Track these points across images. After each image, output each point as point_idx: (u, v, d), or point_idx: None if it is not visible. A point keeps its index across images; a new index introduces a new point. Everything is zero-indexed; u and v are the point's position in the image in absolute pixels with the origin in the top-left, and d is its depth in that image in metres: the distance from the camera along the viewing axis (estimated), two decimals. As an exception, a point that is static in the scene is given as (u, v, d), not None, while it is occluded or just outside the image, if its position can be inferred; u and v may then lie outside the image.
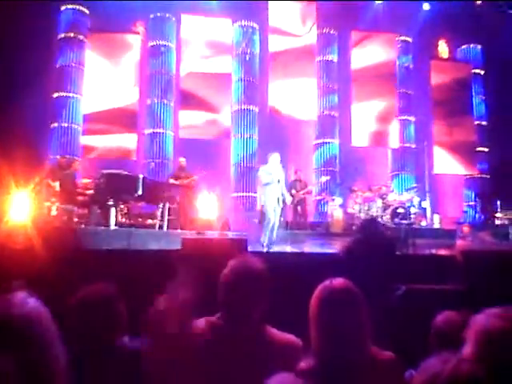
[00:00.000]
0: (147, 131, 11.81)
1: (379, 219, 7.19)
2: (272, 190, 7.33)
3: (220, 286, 1.87)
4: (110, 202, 7.06)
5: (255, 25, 12.46)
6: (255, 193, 11.72)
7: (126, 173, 7.66)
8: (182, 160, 9.31)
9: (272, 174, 7.29)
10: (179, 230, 7.56)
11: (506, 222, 9.99)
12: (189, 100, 11.76)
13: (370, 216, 8.45)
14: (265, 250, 6.95)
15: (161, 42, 12.05)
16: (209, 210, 8.59)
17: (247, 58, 12.22)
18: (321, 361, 1.72)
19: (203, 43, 12.04)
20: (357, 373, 1.68)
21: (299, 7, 12.70)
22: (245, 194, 11.63)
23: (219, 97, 11.99)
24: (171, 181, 9.01)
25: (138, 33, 12.16)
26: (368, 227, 4.56)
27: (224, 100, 12.03)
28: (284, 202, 7.61)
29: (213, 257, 2.50)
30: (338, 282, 1.81)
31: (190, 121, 11.78)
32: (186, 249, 4.81)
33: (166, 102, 11.88)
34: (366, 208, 9.57)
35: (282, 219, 7.98)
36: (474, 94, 14.19)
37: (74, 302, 1.94)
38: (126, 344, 1.95)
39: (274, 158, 7.55)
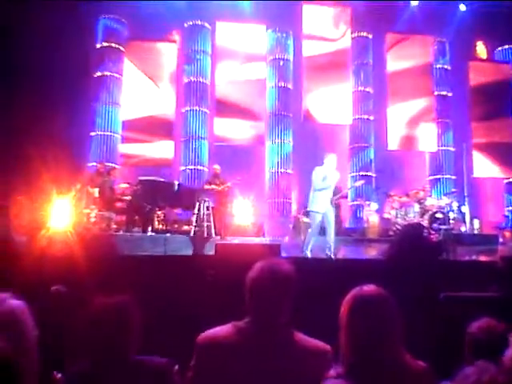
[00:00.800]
0: (183, 138, 11.99)
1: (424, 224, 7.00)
2: (324, 196, 6.81)
3: (246, 289, 1.83)
4: (147, 209, 7.19)
5: (289, 30, 12.48)
6: (289, 199, 11.72)
7: (162, 179, 7.79)
8: (217, 167, 9.38)
9: (327, 179, 6.79)
10: (214, 236, 7.62)
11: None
12: (224, 107, 11.87)
13: (414, 221, 8.25)
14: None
15: (196, 50, 12.21)
16: (243, 215, 8.64)
17: (281, 64, 12.25)
18: (350, 369, 1.69)
19: (238, 50, 12.14)
20: (387, 382, 1.65)
21: (333, 11, 12.67)
22: (279, 199, 11.63)
23: (254, 103, 12.05)
24: (206, 187, 9.11)
25: (175, 41, 12.38)
26: (412, 232, 4.49)
27: (258, 106, 12.09)
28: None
29: (246, 262, 2.47)
30: (369, 288, 1.78)
31: (225, 128, 11.88)
32: (219, 254, 4.87)
33: (201, 109, 12.03)
34: (403, 213, 9.39)
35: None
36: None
37: (87, 315, 1.96)
38: (143, 360, 1.94)
39: (330, 159, 6.99)
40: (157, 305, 3.34)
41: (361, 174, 12.19)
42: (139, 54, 12.15)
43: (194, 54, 12.23)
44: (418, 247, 4.17)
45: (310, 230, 6.99)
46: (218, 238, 7.44)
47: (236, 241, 6.78)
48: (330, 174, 6.84)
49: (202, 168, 11.72)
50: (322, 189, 6.74)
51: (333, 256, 6.64)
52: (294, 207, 11.83)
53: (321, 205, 6.79)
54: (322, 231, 7.01)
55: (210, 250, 4.82)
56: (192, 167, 11.70)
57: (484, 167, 13.03)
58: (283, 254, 5.71)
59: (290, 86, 12.32)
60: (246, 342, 1.76)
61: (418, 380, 1.69)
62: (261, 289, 1.81)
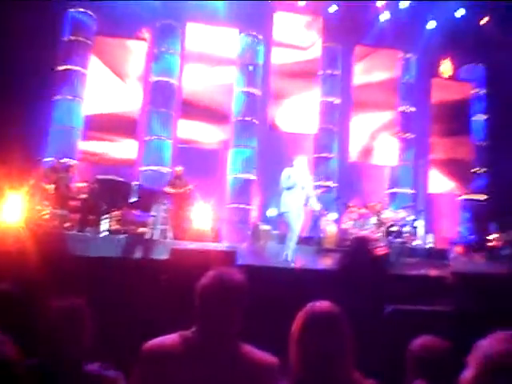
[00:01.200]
0: (146, 138, 11.81)
1: (372, 237, 7.12)
2: (293, 197, 6.86)
3: (195, 298, 1.80)
4: (103, 208, 7.03)
5: (260, 36, 12.51)
6: (250, 205, 11.72)
7: (120, 179, 7.63)
8: (179, 169, 9.28)
9: (292, 178, 6.82)
10: (170, 240, 7.52)
11: (500, 245, 9.96)
12: (189, 109, 11.77)
13: (361, 235, 8.38)
14: (291, 265, 6.67)
15: (166, 49, 12.08)
16: (203, 220, 8.56)
17: (250, 69, 12.26)
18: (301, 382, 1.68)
19: (208, 52, 12.07)
20: None
21: (305, 20, 12.79)
22: (240, 205, 11.61)
23: (220, 107, 11.99)
24: (167, 189, 8.98)
25: (145, 39, 12.20)
26: (357, 246, 4.55)
27: (225, 111, 12.05)
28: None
29: (200, 268, 2.43)
30: (322, 304, 1.79)
31: (190, 130, 11.78)
32: (173, 259, 4.80)
33: (166, 110, 11.89)
34: (361, 224, 9.54)
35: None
36: (473, 113, 14.25)
37: (39, 315, 1.93)
38: (94, 370, 1.91)
39: (299, 161, 7.10)
40: (107, 308, 3.27)
41: (322, 183, 12.32)
42: (107, 50, 11.91)
43: (164, 53, 12.10)
44: (363, 260, 4.24)
45: (288, 235, 6.97)
46: (175, 241, 7.34)
47: (193, 245, 6.68)
48: (296, 174, 6.89)
49: (163, 169, 11.58)
50: (288, 188, 6.80)
51: (292, 264, 6.65)
52: (255, 214, 11.83)
53: (289, 204, 6.84)
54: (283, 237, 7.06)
55: (165, 254, 4.74)
56: (154, 168, 11.54)
57: (441, 183, 13.42)
58: (239, 261, 5.68)
59: (258, 92, 12.34)
60: (192, 352, 1.73)
61: None
62: (209, 298, 1.78)
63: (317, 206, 7.27)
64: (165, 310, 3.74)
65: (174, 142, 11.85)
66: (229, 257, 5.01)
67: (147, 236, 7.54)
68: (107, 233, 7.13)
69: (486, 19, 13.35)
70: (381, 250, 6.26)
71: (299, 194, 6.88)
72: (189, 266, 4.17)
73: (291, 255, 6.77)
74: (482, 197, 13.58)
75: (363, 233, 7.64)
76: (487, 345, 1.48)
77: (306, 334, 1.72)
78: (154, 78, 12.02)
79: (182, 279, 3.79)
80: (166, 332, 1.85)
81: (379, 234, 9.10)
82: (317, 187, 12.18)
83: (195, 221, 8.37)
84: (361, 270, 4.23)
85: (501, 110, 13.37)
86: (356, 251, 4.50)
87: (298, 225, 6.92)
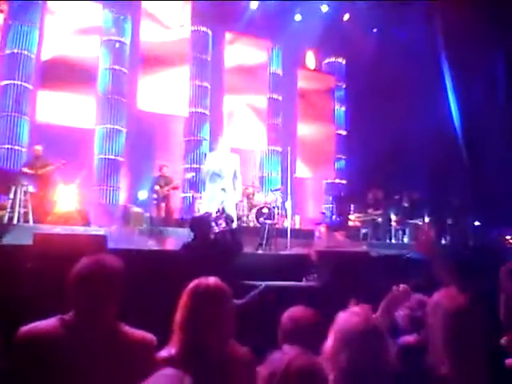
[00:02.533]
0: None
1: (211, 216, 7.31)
2: (215, 185, 6.56)
3: (69, 284, 1.82)
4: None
5: (127, 13, 11.94)
6: (119, 187, 11.28)
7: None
8: (38, 148, 8.55)
9: (211, 167, 6.51)
10: (32, 224, 6.91)
11: (359, 224, 10.87)
12: (51, 84, 10.83)
13: (198, 214, 8.53)
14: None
15: (24, 22, 10.88)
16: (68, 202, 8.02)
17: (117, 46, 11.66)
18: (182, 350, 1.78)
19: (71, 27, 11.17)
20: (214, 364, 1.77)
21: (175, 3, 12.47)
22: (108, 187, 11.09)
23: (85, 84, 11.22)
24: (25, 170, 8.24)
25: (1, 11, 10.94)
26: (197, 225, 4.62)
27: (90, 88, 11.32)
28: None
29: (68, 254, 2.31)
30: (212, 279, 1.93)
31: (52, 107, 10.84)
32: (38, 245, 4.42)
33: (23, 83, 10.80)
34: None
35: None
36: (335, 104, 15.30)
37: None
38: None
39: (220, 143, 6.72)
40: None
41: (193, 166, 12.29)
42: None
43: (21, 26, 10.91)
44: (202, 240, 4.38)
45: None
46: (37, 225, 6.77)
47: (58, 230, 6.22)
48: (219, 161, 6.61)
49: (20, 148, 10.56)
50: (210, 179, 6.59)
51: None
52: (124, 196, 11.41)
53: (210, 193, 6.64)
54: None
55: (28, 240, 4.34)
56: (8, 147, 10.46)
57: (307, 168, 14.22)
58: (110, 245, 5.43)
59: (124, 70, 11.80)
60: (70, 334, 1.76)
61: (242, 364, 1.86)
62: (85, 284, 1.81)
63: (237, 194, 6.97)
64: (30, 300, 3.49)
65: (31, 120, 10.84)
66: (98, 241, 4.75)
67: (5, 220, 6.85)
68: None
69: (347, 16, 14.30)
70: (218, 228, 6.45)
71: (221, 184, 6.59)
72: (55, 253, 3.88)
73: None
74: (343, 181, 14.72)
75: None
76: (343, 317, 1.62)
77: (193, 302, 1.86)
78: (9, 50, 10.82)
79: (48, 266, 3.52)
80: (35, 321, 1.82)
81: (251, 216, 9.38)
82: (188, 170, 12.19)
83: (59, 203, 7.80)
84: (199, 248, 4.33)
85: (357, 103, 14.56)
86: (193, 230, 4.60)
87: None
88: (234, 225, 6.64)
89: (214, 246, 4.44)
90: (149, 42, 11.91)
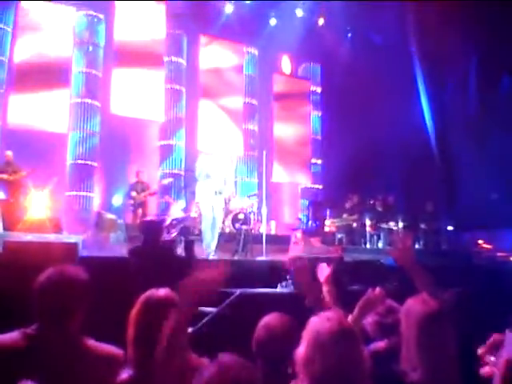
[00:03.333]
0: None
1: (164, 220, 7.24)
2: (207, 186, 6.54)
3: (34, 295, 1.79)
4: None
5: (101, 15, 11.78)
6: (92, 193, 11.08)
7: None
8: (9, 153, 8.41)
9: (208, 167, 6.51)
10: (1, 231, 6.74)
11: (334, 229, 10.92)
12: (23, 88, 10.60)
13: (148, 218, 8.47)
14: (210, 256, 6.34)
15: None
16: (39, 209, 7.83)
17: (90, 49, 11.49)
18: (139, 369, 1.73)
19: (44, 30, 10.97)
20: (173, 378, 1.70)
21: (148, 3, 12.35)
22: (81, 193, 10.89)
23: (58, 87, 11.03)
24: (-5, 176, 8.06)
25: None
26: (146, 230, 4.53)
27: (62, 92, 11.12)
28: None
29: (38, 263, 2.25)
30: (161, 291, 1.89)
31: (23, 111, 10.61)
32: (7, 253, 4.31)
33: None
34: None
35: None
36: (311, 109, 15.38)
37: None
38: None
39: (215, 151, 6.88)
40: None
41: (169, 171, 12.19)
42: None
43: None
44: (153, 242, 4.29)
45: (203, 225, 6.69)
46: (7, 233, 6.59)
47: (29, 237, 6.07)
48: (211, 162, 6.65)
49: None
50: (203, 178, 6.55)
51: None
52: (97, 202, 11.23)
53: (203, 194, 6.57)
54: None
55: (-3, 248, 4.24)
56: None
57: (283, 173, 14.25)
58: (83, 253, 5.32)
59: (98, 73, 11.63)
60: (34, 347, 1.71)
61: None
62: (48, 296, 1.77)
63: (234, 203, 7.15)
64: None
65: (2, 124, 10.59)
66: (70, 249, 4.67)
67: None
68: None
69: (322, 20, 14.42)
70: (170, 234, 6.41)
71: (213, 184, 6.57)
72: (26, 261, 3.79)
73: (210, 247, 6.49)
74: (319, 186, 14.79)
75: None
76: (315, 322, 1.59)
77: (143, 316, 1.83)
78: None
79: (17, 275, 3.43)
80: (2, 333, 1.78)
81: (227, 222, 9.33)
82: (164, 175, 12.08)
83: (30, 210, 7.62)
84: (144, 253, 4.25)
85: (332, 107, 14.68)
86: (143, 234, 4.52)
87: (212, 218, 6.61)
88: (190, 236, 6.61)
89: (161, 253, 4.33)
90: (123, 45, 11.76)
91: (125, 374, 1.76)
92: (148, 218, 8.07)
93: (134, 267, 4.07)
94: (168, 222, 7.99)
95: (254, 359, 2.04)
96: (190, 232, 7.71)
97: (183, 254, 5.18)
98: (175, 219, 8.53)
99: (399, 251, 2.54)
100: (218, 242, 6.81)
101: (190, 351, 1.88)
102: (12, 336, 1.74)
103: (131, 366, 1.77)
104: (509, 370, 1.82)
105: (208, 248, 6.53)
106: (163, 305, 1.82)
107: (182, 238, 6.99)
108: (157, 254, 4.20)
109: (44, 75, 10.69)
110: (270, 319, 2.23)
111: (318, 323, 1.58)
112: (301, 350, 1.56)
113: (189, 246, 5.31)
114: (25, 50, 10.80)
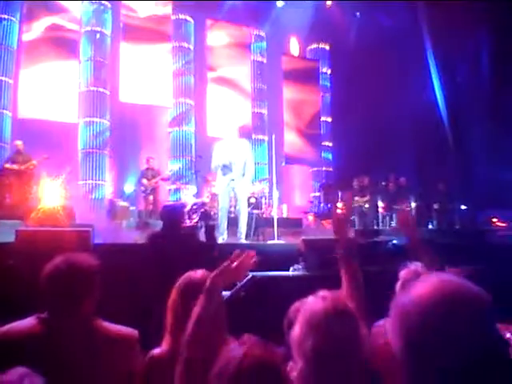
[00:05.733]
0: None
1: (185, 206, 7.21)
2: (225, 178, 6.39)
3: (42, 284, 1.81)
4: None
5: (107, 3, 11.72)
6: (104, 181, 11.14)
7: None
8: (19, 143, 8.47)
9: (225, 155, 6.31)
10: (15, 220, 6.80)
11: (346, 211, 10.84)
12: (31, 78, 10.64)
13: (171, 204, 8.47)
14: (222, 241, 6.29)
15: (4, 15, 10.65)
16: (51, 198, 7.89)
17: (97, 37, 11.45)
18: (173, 347, 1.75)
19: (50, 17, 10.95)
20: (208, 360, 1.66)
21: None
22: (93, 181, 10.95)
23: (66, 76, 11.04)
24: (7, 166, 8.12)
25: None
26: (166, 215, 4.50)
27: (71, 80, 11.13)
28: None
29: (51, 251, 2.26)
30: (199, 273, 1.91)
31: (33, 101, 10.65)
32: (20, 242, 4.34)
33: (2, 78, 10.58)
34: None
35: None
36: (320, 91, 15.21)
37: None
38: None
39: (234, 134, 6.55)
40: None
41: (180, 157, 12.21)
42: None
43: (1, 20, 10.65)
44: (172, 230, 4.25)
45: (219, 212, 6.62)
46: (20, 222, 6.66)
47: (41, 226, 6.12)
48: (230, 149, 6.41)
49: (2, 144, 10.37)
50: (222, 171, 6.40)
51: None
52: (110, 190, 11.30)
53: (222, 184, 6.47)
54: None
55: (10, 237, 4.28)
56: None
57: (294, 156, 14.16)
58: (97, 241, 5.35)
59: (106, 61, 11.59)
60: (49, 332, 1.75)
61: None
62: (56, 284, 1.79)
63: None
64: (13, 296, 3.45)
65: (13, 114, 10.65)
66: (83, 237, 4.69)
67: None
68: None
69: (329, 2, 14.19)
70: (190, 221, 6.40)
71: (235, 171, 6.40)
72: (39, 250, 3.82)
73: (221, 233, 6.44)
74: (330, 169, 14.70)
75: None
76: (309, 302, 1.55)
77: (183, 298, 1.85)
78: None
79: (31, 263, 3.46)
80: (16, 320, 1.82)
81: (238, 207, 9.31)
82: (174, 161, 12.10)
83: (43, 199, 7.69)
84: (164, 238, 4.23)
85: (342, 88, 14.50)
86: (163, 219, 4.49)
87: (241, 206, 6.56)
88: (211, 221, 6.58)
89: (181, 238, 4.31)
90: (130, 33, 11.71)
91: (157, 350, 1.81)
92: (168, 204, 8.08)
93: (154, 253, 4.05)
94: (188, 207, 7.99)
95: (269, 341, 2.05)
96: (210, 217, 7.71)
97: (204, 239, 5.20)
98: (195, 204, 8.53)
99: (403, 224, 2.52)
100: (229, 225, 6.78)
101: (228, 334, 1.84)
102: (26, 322, 1.78)
103: (167, 343, 1.81)
104: None
105: (221, 235, 6.48)
106: (202, 286, 1.79)
107: (203, 223, 7.00)
108: (179, 239, 4.19)
109: (52, 64, 10.72)
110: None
111: (313, 303, 1.55)
112: (295, 331, 1.53)
113: (209, 231, 5.35)
114: (33, 36, 10.78)
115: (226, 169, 6.42)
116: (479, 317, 0.81)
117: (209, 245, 4.87)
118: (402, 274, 2.61)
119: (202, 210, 7.53)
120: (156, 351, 1.83)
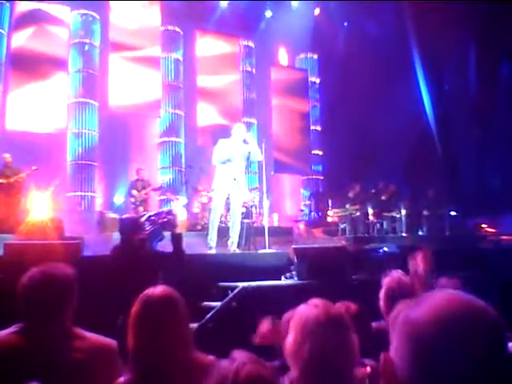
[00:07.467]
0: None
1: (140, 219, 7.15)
2: (225, 172, 6.14)
3: (18, 292, 1.80)
4: None
5: (96, 14, 11.74)
6: (94, 192, 11.07)
7: None
8: (7, 156, 8.39)
9: (228, 150, 6.04)
10: (3, 234, 6.72)
11: (336, 219, 10.88)
12: (19, 90, 10.57)
13: (127, 216, 8.37)
14: (211, 251, 6.14)
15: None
16: (40, 210, 7.82)
17: (86, 48, 11.45)
18: (138, 373, 1.65)
19: (39, 28, 10.92)
20: (176, 381, 1.65)
21: (143, 2, 12.28)
22: (82, 193, 10.88)
23: (55, 87, 10.99)
24: (-5, 179, 8.04)
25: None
26: (122, 228, 4.48)
27: (60, 91, 11.08)
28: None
29: (42, 265, 2.23)
30: (158, 290, 1.77)
31: (21, 113, 10.58)
32: (8, 256, 4.30)
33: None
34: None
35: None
36: (310, 100, 15.27)
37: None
38: None
39: (237, 129, 6.30)
40: None
41: (170, 167, 12.18)
42: None
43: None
44: (129, 240, 4.24)
45: (211, 216, 6.43)
46: (7, 236, 6.58)
47: (30, 239, 6.05)
48: (235, 146, 6.17)
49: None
50: (222, 162, 6.14)
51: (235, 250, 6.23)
52: (100, 201, 11.22)
53: (220, 182, 6.23)
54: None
55: (-2, 251, 4.23)
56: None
57: (284, 165, 14.16)
58: (86, 253, 5.31)
59: (95, 72, 11.58)
60: (27, 342, 1.74)
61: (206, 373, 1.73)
62: (30, 295, 1.78)
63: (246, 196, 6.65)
64: (2, 311, 3.40)
65: (1, 127, 10.56)
66: (73, 249, 4.65)
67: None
68: None
69: (317, 10, 14.32)
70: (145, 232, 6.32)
71: (233, 170, 6.17)
72: (28, 263, 3.76)
73: (212, 241, 6.27)
74: (320, 177, 14.73)
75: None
76: (302, 310, 1.56)
77: (140, 319, 1.71)
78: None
79: (19, 278, 3.42)
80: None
81: (228, 217, 9.28)
82: (164, 171, 12.06)
83: (32, 212, 7.61)
84: (123, 251, 4.20)
85: (331, 97, 14.59)
86: (120, 233, 4.47)
87: (235, 208, 6.38)
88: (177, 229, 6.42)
89: (135, 250, 4.27)
90: (118, 44, 11.71)
91: (123, 379, 1.69)
92: (124, 216, 7.97)
93: (113, 266, 4.05)
94: (145, 218, 7.90)
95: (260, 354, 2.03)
96: (174, 225, 7.57)
97: (170, 249, 5.06)
98: (154, 215, 8.44)
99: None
100: (220, 235, 6.72)
101: (195, 349, 1.80)
102: (5, 332, 1.78)
103: (131, 370, 1.69)
104: None
105: (211, 242, 6.40)
106: (162, 303, 1.73)
107: (163, 234, 6.87)
108: (132, 251, 4.17)
109: (41, 76, 10.67)
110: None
111: (306, 311, 1.56)
112: (289, 339, 1.54)
113: (176, 240, 5.11)
114: (19, 47, 10.73)
115: (228, 162, 6.24)
116: (498, 337, 0.80)
117: (172, 254, 4.79)
118: (385, 281, 2.65)
119: (165, 219, 7.39)
120: (120, 380, 1.72)
